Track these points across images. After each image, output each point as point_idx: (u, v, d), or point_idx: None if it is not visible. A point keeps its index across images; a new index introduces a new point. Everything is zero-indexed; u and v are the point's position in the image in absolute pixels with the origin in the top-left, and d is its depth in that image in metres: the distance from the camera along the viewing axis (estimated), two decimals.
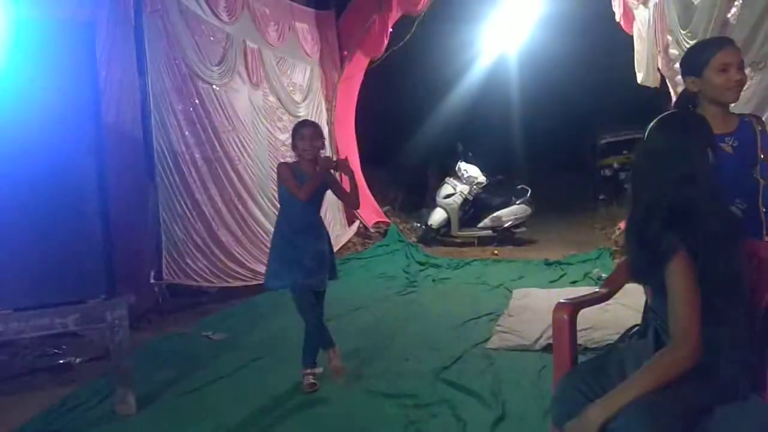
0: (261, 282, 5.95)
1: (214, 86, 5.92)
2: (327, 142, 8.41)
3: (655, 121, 1.74)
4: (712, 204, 1.57)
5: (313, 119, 7.60)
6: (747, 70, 2.96)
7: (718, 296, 1.52)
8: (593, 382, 1.72)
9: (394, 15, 8.39)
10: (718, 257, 1.52)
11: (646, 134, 1.72)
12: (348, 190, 3.45)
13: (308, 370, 3.30)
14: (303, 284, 3.22)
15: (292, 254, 3.24)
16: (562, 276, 6.18)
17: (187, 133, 5.52)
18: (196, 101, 5.66)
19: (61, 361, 3.82)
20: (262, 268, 6.13)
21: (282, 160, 6.98)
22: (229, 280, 5.72)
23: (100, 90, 3.43)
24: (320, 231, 3.39)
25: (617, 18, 6.47)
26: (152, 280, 4.97)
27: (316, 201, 3.38)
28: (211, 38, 5.96)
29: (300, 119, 7.48)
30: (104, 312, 2.97)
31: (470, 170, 8.92)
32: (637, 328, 1.86)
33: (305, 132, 3.26)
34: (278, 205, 7.10)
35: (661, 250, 1.53)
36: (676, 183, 1.57)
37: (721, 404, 1.52)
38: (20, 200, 2.86)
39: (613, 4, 6.52)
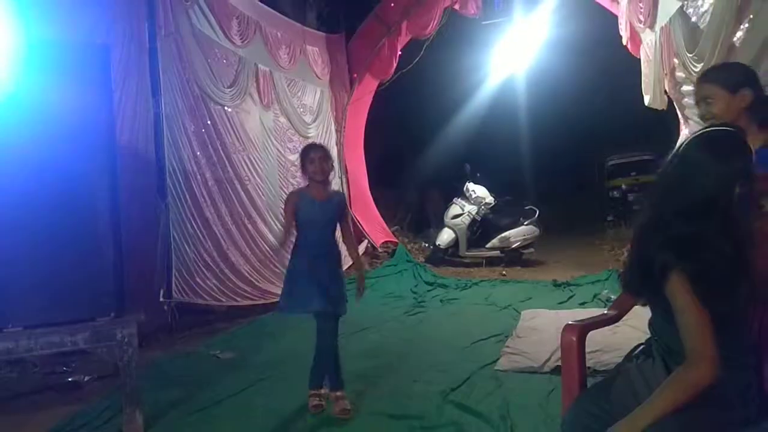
0: (269, 301, 6.01)
1: (226, 108, 6.01)
2: (336, 163, 8.50)
3: (700, 134, 1.65)
4: (719, 239, 1.52)
5: (322, 140, 7.71)
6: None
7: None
8: (605, 404, 1.71)
9: (403, 38, 8.51)
10: (716, 294, 1.50)
11: (686, 145, 1.64)
12: (354, 248, 3.54)
13: (314, 391, 3.31)
14: (326, 310, 3.19)
15: (312, 279, 3.19)
16: (570, 297, 6.14)
17: (198, 153, 5.59)
18: (208, 122, 5.75)
19: (69, 379, 3.84)
20: (271, 288, 6.18)
21: (293, 181, 7.13)
22: (238, 299, 5.74)
23: (114, 111, 3.50)
24: (337, 255, 3.37)
25: (624, 41, 6.52)
26: (162, 299, 4.99)
27: (332, 227, 3.36)
28: (224, 61, 6.07)
29: (310, 140, 7.61)
30: (114, 330, 2.98)
31: (478, 191, 8.94)
32: (641, 347, 1.85)
33: (314, 155, 3.24)
34: None
35: (656, 268, 1.53)
36: (692, 206, 1.55)
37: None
38: (33, 218, 2.90)
39: (620, 27, 6.57)
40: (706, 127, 1.68)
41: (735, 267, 1.52)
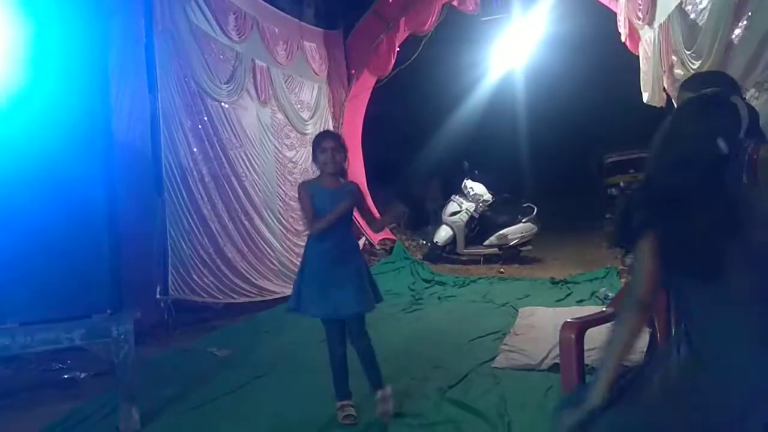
0: (266, 298, 6.00)
1: (222, 103, 5.99)
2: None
3: (689, 97, 1.71)
4: (702, 195, 1.48)
5: None
6: (752, 91, 2.99)
7: (696, 295, 1.49)
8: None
9: (402, 34, 8.50)
10: (700, 249, 1.47)
11: (676, 107, 1.71)
12: (378, 217, 3.33)
13: (342, 402, 3.12)
14: (336, 312, 3.00)
15: (334, 280, 2.97)
16: (568, 295, 6.14)
17: (195, 149, 5.57)
18: (205, 118, 5.73)
19: (66, 376, 3.83)
20: (268, 285, 6.17)
21: (290, 178, 7.13)
22: (235, 296, 5.73)
23: (110, 107, 3.48)
24: (355, 246, 3.22)
25: (623, 38, 6.51)
26: (158, 296, 4.98)
27: (348, 217, 3.11)
28: (221, 56, 6.05)
29: (307, 137, 7.60)
30: (110, 327, 2.97)
31: (476, 188, 8.93)
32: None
33: (326, 144, 3.02)
34: (283, 221, 7.17)
35: (633, 226, 1.54)
36: (670, 164, 1.54)
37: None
38: (28, 214, 2.89)
39: (618, 24, 6.57)
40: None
41: (718, 231, 1.45)
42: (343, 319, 3.06)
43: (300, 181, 3.37)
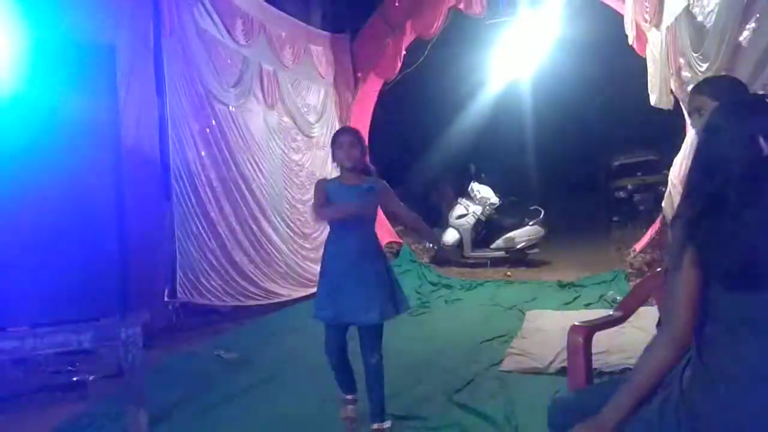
0: (273, 301, 6.02)
1: (230, 107, 6.01)
2: None
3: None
4: (742, 200, 1.34)
5: (326, 140, 7.71)
6: (760, 93, 2.98)
7: (728, 300, 1.37)
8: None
9: (408, 38, 8.49)
10: (747, 256, 1.33)
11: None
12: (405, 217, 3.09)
13: (347, 396, 3.05)
14: (337, 319, 2.84)
15: (354, 285, 2.80)
16: (576, 298, 6.12)
17: (203, 153, 5.60)
18: (213, 122, 5.75)
19: (74, 379, 3.84)
20: (275, 288, 6.19)
21: (296, 181, 7.15)
22: (242, 299, 5.74)
23: (119, 111, 3.50)
24: (378, 248, 2.98)
25: (630, 41, 6.49)
26: (166, 299, 5.00)
27: (370, 216, 2.97)
28: (228, 60, 6.08)
29: (314, 140, 7.62)
30: (118, 330, 2.98)
31: (483, 191, 8.91)
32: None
33: (343, 139, 2.92)
34: (291, 224, 7.19)
35: (673, 245, 1.43)
36: (708, 169, 1.42)
37: None
38: (38, 218, 2.91)
39: (625, 26, 6.55)
40: None
41: (758, 244, 1.33)
42: (345, 326, 2.87)
43: (308, 184, 3.29)
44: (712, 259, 1.36)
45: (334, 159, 2.98)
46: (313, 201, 2.97)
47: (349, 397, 3.04)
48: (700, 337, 1.41)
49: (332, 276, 2.86)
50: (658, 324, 1.81)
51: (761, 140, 1.35)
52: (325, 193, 2.88)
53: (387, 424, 2.89)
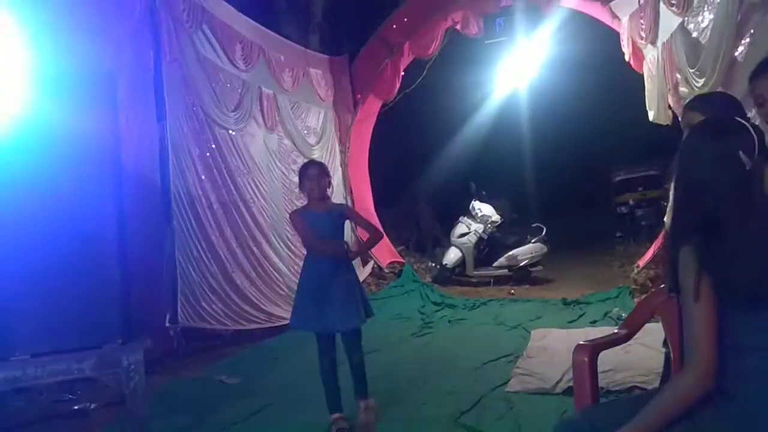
0: (275, 324, 5.97)
1: (230, 131, 6.05)
2: (342, 184, 8.51)
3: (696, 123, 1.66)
4: (741, 215, 1.39)
5: (326, 161, 7.74)
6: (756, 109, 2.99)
7: (743, 320, 1.38)
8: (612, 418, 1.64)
9: (406, 59, 8.59)
10: (744, 276, 1.37)
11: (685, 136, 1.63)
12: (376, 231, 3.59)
13: (335, 415, 3.32)
14: (326, 328, 3.26)
15: (325, 297, 3.23)
16: (581, 316, 6.07)
17: (203, 177, 5.61)
18: (213, 146, 5.78)
19: (76, 407, 3.80)
20: (277, 311, 6.15)
21: (297, 203, 7.14)
22: (244, 322, 5.70)
23: (120, 136, 3.52)
24: (348, 264, 3.38)
25: (626, 58, 6.55)
26: (167, 323, 4.97)
27: (339, 237, 3.42)
28: (228, 85, 6.13)
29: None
30: (120, 357, 2.95)
31: (484, 209, 8.91)
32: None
33: (311, 172, 3.34)
34: (292, 246, 7.18)
35: (679, 267, 1.43)
36: (697, 191, 1.45)
37: None
38: (38, 244, 2.90)
39: (621, 44, 6.61)
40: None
41: (754, 254, 1.37)
42: (333, 334, 3.30)
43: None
44: (732, 279, 1.37)
45: (302, 189, 3.42)
46: (300, 235, 3.43)
47: (336, 416, 3.31)
48: (723, 367, 1.40)
49: (315, 291, 3.26)
50: (664, 343, 1.80)
51: (742, 155, 1.41)
52: (305, 224, 3.30)
53: (372, 401, 3.40)
